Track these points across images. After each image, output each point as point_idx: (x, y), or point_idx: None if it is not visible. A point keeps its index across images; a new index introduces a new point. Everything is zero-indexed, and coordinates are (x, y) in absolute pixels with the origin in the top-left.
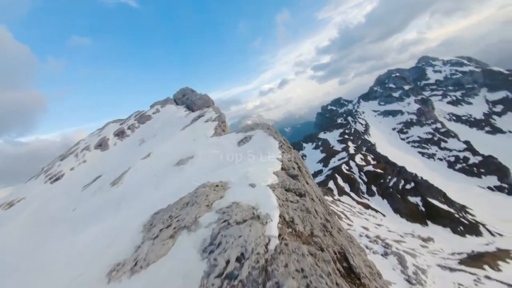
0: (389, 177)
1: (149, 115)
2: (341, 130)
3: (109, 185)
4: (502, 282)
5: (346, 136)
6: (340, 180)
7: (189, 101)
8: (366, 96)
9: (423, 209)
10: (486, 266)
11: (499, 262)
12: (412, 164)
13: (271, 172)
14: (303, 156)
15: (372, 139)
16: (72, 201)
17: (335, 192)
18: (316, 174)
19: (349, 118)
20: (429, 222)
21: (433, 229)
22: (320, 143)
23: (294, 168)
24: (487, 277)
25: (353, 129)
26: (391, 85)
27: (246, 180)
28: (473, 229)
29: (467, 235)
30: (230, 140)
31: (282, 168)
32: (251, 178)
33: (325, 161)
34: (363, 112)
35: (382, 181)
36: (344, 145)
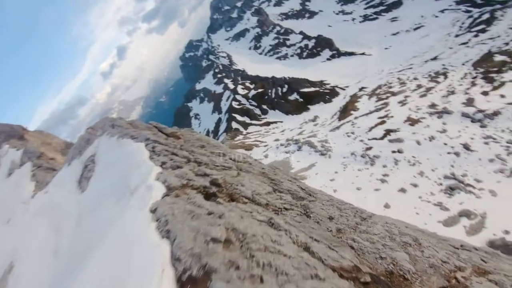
0: (269, 90)
1: None
2: (212, 72)
3: None
4: (363, 115)
5: (219, 76)
6: (238, 117)
7: None
8: (212, 28)
9: (301, 99)
10: (351, 111)
11: (355, 104)
12: (277, 70)
13: None
14: (197, 116)
15: (240, 66)
16: None
17: (241, 129)
18: (218, 125)
19: (211, 57)
20: (309, 106)
21: (314, 109)
22: (202, 94)
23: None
24: (355, 117)
25: (220, 66)
26: (226, 7)
27: None
28: (333, 93)
29: (332, 100)
30: (64, 186)
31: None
32: None
33: (217, 109)
34: (219, 45)
35: (266, 97)
36: (222, 84)
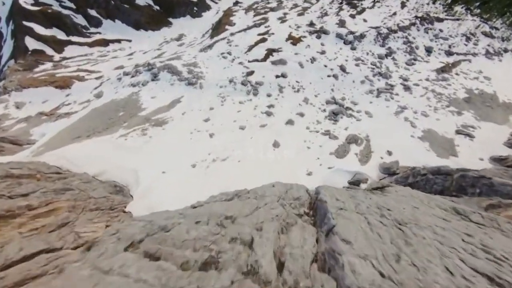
0: None
1: None
2: None
3: None
4: (241, 31)
5: None
6: (38, 29)
7: None
8: None
9: (158, 7)
10: (227, 26)
11: (231, 19)
12: None
13: None
14: None
15: None
16: None
17: (49, 51)
18: None
19: None
20: (171, 20)
21: (178, 24)
22: None
23: None
24: (232, 34)
25: None
26: None
27: None
28: (203, 6)
29: (202, 14)
30: None
31: None
32: None
33: None
34: None
35: None
36: None
